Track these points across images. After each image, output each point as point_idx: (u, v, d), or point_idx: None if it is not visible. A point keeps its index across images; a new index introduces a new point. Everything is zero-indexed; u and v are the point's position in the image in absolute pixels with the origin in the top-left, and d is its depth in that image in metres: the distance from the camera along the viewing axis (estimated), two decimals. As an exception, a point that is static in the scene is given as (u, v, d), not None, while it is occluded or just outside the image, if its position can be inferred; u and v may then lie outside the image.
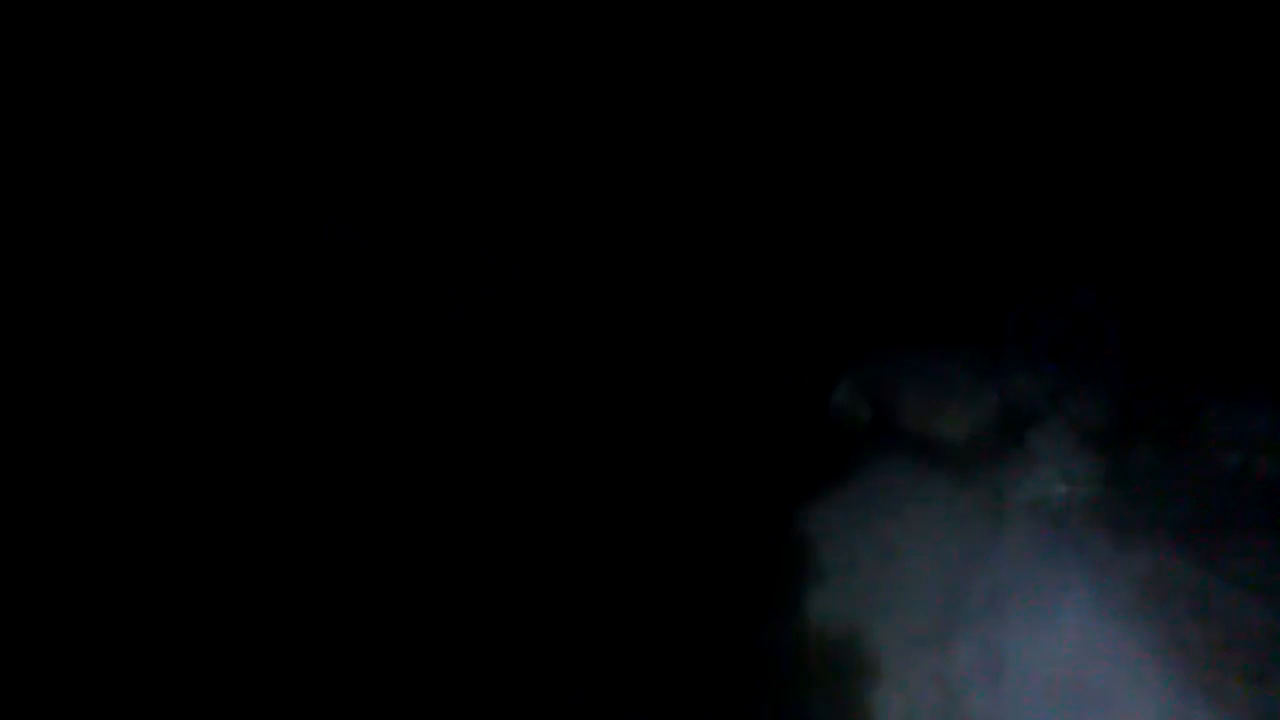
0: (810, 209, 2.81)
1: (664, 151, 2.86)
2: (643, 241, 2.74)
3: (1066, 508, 2.12)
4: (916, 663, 1.95)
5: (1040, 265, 2.62)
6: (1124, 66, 2.93)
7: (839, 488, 2.24)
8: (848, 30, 2.90)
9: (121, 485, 2.28)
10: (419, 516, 2.29)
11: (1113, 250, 2.68)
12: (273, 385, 2.45)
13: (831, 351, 2.49)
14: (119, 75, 2.54)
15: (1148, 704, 1.85)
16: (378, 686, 2.04)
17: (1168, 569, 1.97)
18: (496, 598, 2.16)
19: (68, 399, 2.37)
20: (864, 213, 2.78)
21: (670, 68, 2.86)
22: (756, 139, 2.90)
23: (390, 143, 2.65)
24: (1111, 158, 2.94)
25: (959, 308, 2.55)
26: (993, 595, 2.00)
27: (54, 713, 2.01)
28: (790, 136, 2.89)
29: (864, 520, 2.17)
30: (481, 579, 2.19)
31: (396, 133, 2.65)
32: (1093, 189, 2.86)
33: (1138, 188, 2.85)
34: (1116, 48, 2.92)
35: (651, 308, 2.64)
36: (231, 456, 2.35)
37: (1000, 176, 2.85)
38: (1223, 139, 2.87)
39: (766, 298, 2.65)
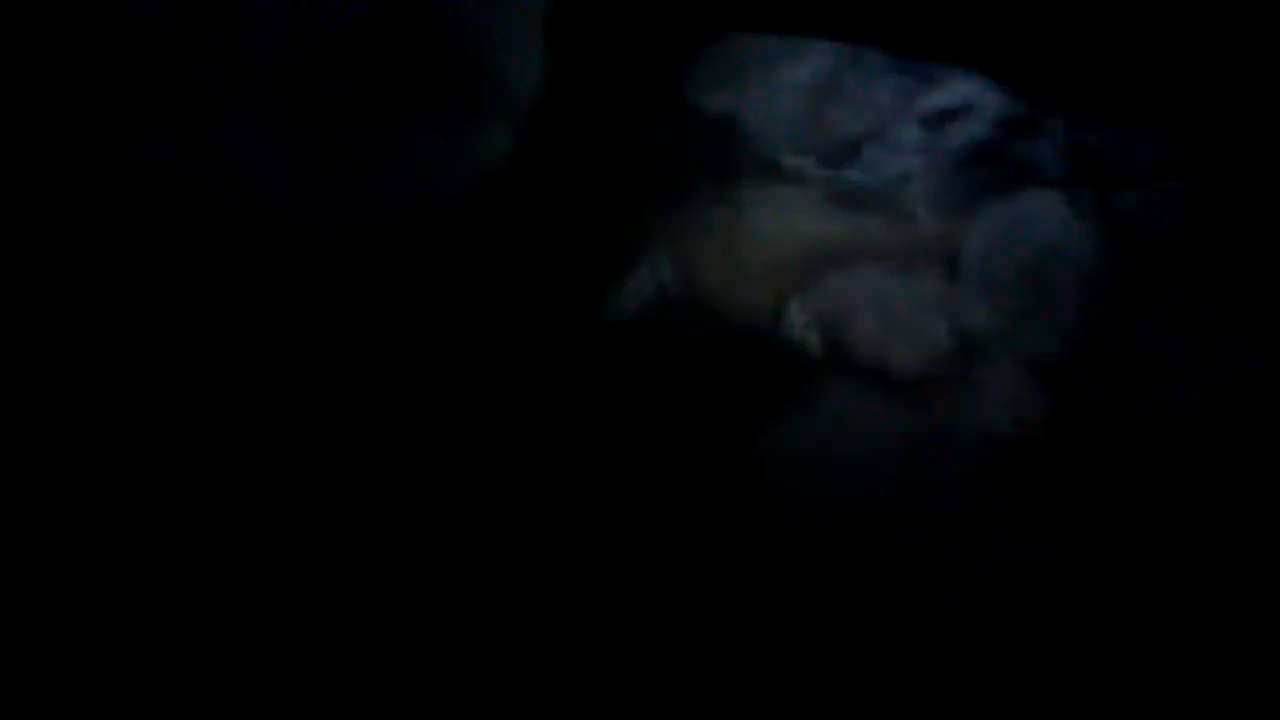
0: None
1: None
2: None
3: (1016, 449, 2.07)
4: (854, 594, 1.92)
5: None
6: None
7: (784, 415, 2.18)
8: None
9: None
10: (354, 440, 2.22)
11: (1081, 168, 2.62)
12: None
13: (783, 271, 2.42)
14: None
15: (1081, 646, 1.83)
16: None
17: (1114, 514, 1.93)
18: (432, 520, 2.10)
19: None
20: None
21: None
22: None
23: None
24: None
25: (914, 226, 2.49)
26: (936, 528, 1.96)
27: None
28: None
29: (806, 449, 2.12)
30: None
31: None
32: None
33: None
34: None
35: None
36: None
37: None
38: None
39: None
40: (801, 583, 1.94)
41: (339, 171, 2.35)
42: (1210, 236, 2.51)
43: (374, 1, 2.44)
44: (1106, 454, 2.06)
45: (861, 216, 2.60)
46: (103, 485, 2.05)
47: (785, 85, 3.05)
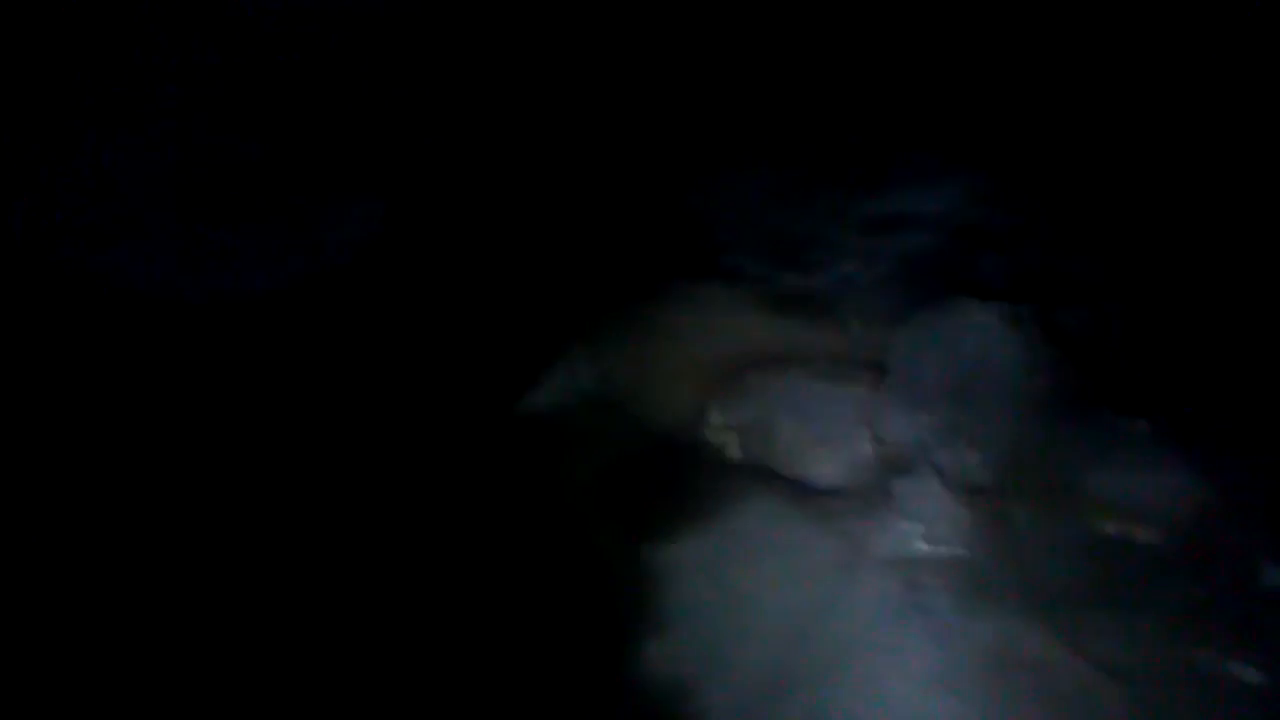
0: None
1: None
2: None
3: (927, 568, 1.96)
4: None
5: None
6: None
7: (692, 525, 2.08)
8: None
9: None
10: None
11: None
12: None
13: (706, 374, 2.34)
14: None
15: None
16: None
17: (1019, 642, 1.81)
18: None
19: None
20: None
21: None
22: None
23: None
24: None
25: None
26: (833, 656, 1.84)
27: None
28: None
29: (713, 562, 2.01)
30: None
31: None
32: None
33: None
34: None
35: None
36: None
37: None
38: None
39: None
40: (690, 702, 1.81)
41: (205, 244, 2.21)
42: (1148, 360, 2.45)
43: (263, 72, 2.36)
44: (1024, 577, 1.95)
45: (792, 321, 2.54)
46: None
47: (729, 185, 3.05)
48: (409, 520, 2.14)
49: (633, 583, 2.04)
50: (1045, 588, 1.91)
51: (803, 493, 2.12)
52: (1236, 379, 2.34)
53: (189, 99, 2.26)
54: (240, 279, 2.26)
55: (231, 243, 2.24)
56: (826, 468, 2.16)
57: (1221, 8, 3.13)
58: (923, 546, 2.00)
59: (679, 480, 2.19)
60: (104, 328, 2.20)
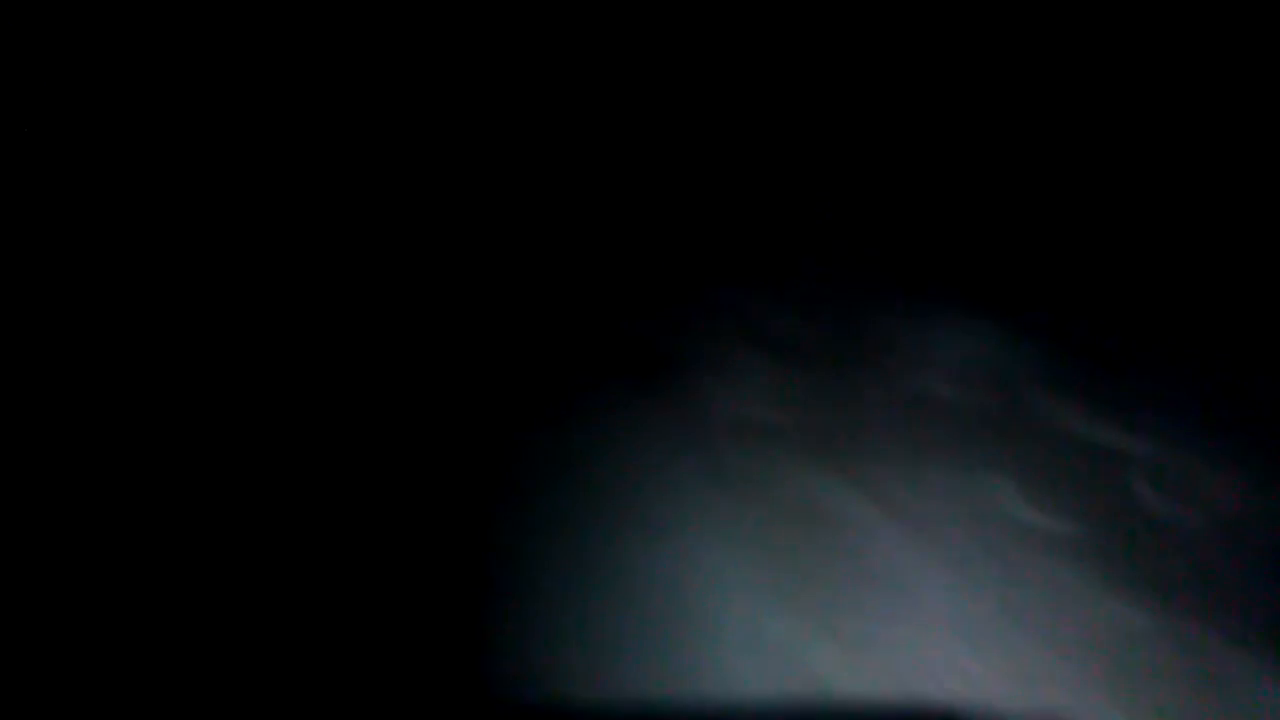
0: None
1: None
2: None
3: (744, 432, 1.99)
4: (556, 585, 1.80)
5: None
6: None
7: (525, 396, 2.05)
8: None
9: None
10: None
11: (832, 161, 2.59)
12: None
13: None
14: None
15: (766, 635, 1.74)
16: None
17: (825, 499, 1.87)
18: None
19: None
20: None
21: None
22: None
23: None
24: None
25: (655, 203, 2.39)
26: (643, 522, 1.85)
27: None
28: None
29: (544, 430, 1.99)
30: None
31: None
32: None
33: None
34: None
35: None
36: None
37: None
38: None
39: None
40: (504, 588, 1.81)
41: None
42: (966, 232, 2.51)
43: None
44: (835, 437, 2.00)
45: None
46: None
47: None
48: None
49: (460, 453, 2.01)
50: (854, 447, 1.97)
51: (625, 359, 2.11)
52: (1053, 253, 2.42)
53: None
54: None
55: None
56: (651, 334, 2.15)
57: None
58: (741, 411, 2.02)
59: (505, 351, 2.15)
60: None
